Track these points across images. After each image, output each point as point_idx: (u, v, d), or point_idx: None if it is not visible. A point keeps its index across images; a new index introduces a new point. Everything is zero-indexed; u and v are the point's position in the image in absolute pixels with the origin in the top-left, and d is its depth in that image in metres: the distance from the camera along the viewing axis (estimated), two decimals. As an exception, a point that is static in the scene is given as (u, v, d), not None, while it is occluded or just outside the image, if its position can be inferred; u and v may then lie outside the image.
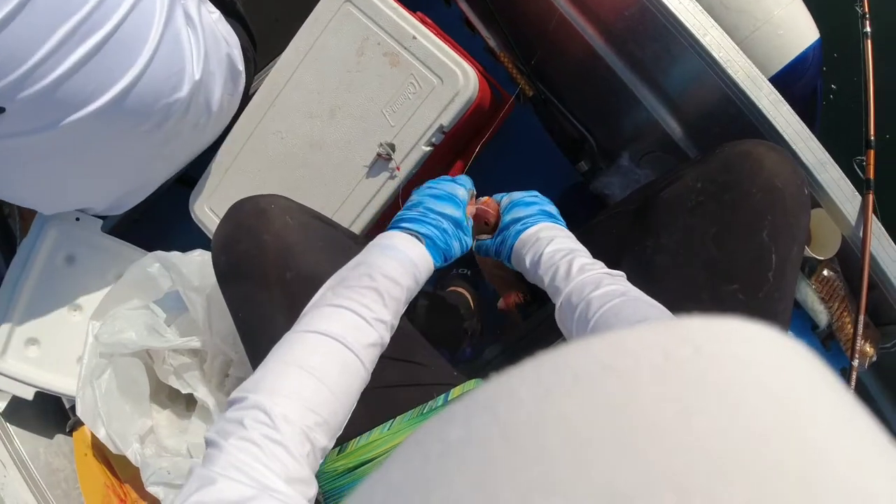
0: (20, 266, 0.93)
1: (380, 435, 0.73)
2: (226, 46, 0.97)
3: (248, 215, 0.74)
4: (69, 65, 0.73)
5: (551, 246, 0.72)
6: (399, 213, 0.76)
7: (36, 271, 0.94)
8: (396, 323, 0.67)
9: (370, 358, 0.62)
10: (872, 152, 0.88)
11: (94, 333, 0.91)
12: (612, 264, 0.85)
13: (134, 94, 0.81)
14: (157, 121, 0.87)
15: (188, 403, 1.05)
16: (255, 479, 0.49)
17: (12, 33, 0.67)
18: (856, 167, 0.89)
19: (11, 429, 0.95)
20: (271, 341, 0.71)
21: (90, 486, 0.95)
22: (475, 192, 0.84)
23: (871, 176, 0.87)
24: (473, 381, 0.83)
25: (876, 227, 0.86)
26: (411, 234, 0.71)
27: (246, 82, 1.04)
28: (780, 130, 0.84)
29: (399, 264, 0.67)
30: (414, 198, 0.77)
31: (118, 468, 0.99)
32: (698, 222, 0.77)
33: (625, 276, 0.71)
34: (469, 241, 0.77)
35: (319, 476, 0.71)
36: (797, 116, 0.85)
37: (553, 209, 0.81)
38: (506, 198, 0.83)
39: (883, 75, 0.89)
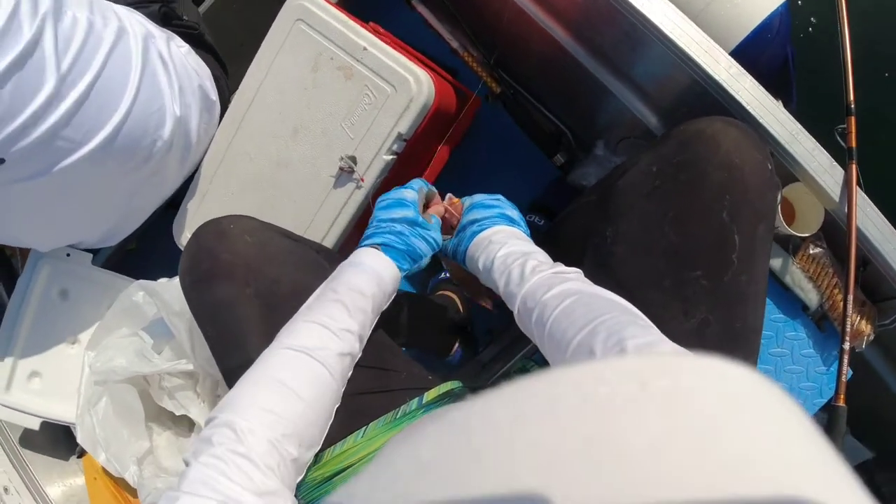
0: (18, 303, 0.98)
1: (354, 443, 0.74)
2: (197, 78, 1.00)
3: (208, 237, 0.76)
4: (61, 113, 0.76)
5: (504, 250, 0.72)
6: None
7: (33, 307, 0.99)
8: (366, 333, 0.69)
9: (339, 367, 0.64)
10: (853, 119, 0.83)
11: (88, 363, 0.95)
12: (577, 258, 0.83)
13: (121, 135, 0.85)
14: (144, 156, 0.91)
15: (191, 423, 1.09)
16: (220, 492, 0.50)
17: (10, 88, 0.71)
18: (837, 137, 0.84)
19: (25, 457, 1.00)
20: (239, 356, 0.73)
21: (101, 508, 1.00)
22: (435, 191, 0.83)
23: (854, 145, 0.82)
24: (449, 383, 0.82)
25: (861, 200, 0.81)
26: (373, 248, 0.74)
27: (221, 110, 1.06)
28: (744, 104, 0.80)
29: (364, 276, 0.69)
30: (373, 216, 0.79)
31: (128, 489, 1.03)
32: (656, 207, 0.74)
33: (580, 272, 0.69)
34: (436, 236, 0.78)
35: (298, 487, 0.73)
36: (762, 88, 0.80)
37: (515, 213, 0.80)
38: (468, 199, 0.83)
39: (862, 38, 0.84)
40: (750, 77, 0.81)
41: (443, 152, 1.03)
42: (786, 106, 0.83)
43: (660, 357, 0.18)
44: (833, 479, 0.16)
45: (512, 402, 0.18)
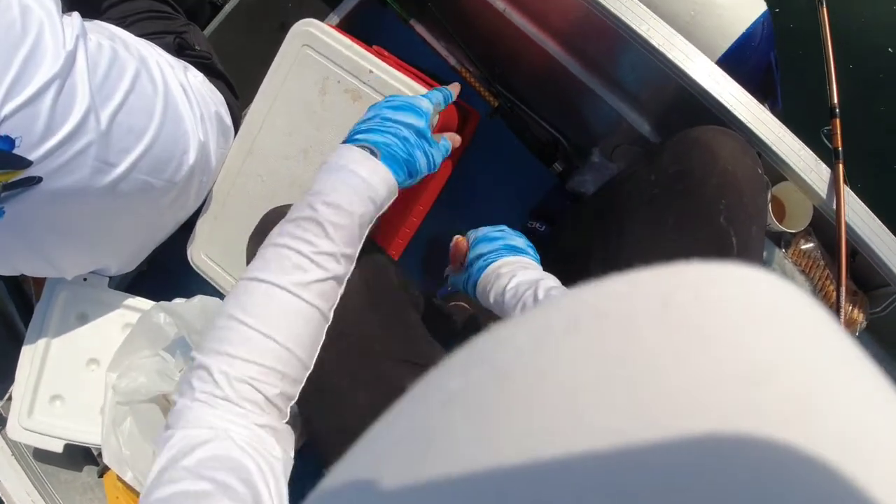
0: (37, 328, 1.00)
1: None
2: (213, 105, 1.03)
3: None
4: (94, 132, 0.78)
5: (513, 281, 0.72)
6: (354, 125, 0.71)
7: (52, 332, 1.01)
8: (353, 250, 0.63)
9: (317, 295, 0.60)
10: (838, 121, 0.88)
11: (111, 385, 0.98)
12: (583, 264, 0.87)
13: (151, 157, 0.88)
14: (170, 180, 0.94)
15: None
16: (211, 425, 0.53)
17: (49, 103, 0.72)
18: (823, 138, 0.89)
19: (46, 480, 1.02)
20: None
21: (125, 526, 1.01)
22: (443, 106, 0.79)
23: (839, 146, 0.87)
24: None
25: (849, 197, 0.86)
26: (365, 148, 0.65)
27: (235, 135, 1.10)
28: (730, 108, 0.85)
29: (348, 188, 0.62)
30: (369, 112, 0.72)
31: (150, 508, 1.05)
32: (658, 214, 0.78)
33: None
34: (437, 155, 0.73)
35: None
36: (747, 94, 0.85)
37: (520, 241, 0.81)
38: (472, 233, 0.84)
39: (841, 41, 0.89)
40: (735, 83, 0.86)
41: (446, 167, 1.07)
42: (772, 109, 0.88)
43: (679, 269, 0.18)
44: (862, 380, 0.16)
45: (531, 327, 0.18)
